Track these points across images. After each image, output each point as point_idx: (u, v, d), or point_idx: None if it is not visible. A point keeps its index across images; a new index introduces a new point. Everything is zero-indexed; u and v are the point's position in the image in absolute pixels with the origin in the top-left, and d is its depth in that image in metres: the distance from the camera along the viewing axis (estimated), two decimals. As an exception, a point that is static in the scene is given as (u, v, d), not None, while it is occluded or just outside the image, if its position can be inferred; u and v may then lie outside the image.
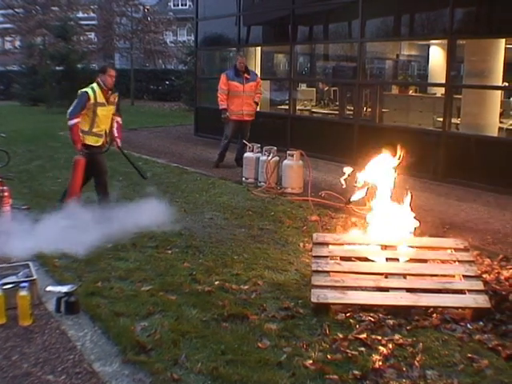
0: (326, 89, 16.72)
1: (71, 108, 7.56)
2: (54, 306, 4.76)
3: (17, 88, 30.81)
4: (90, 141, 7.79)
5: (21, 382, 3.70)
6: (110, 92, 7.72)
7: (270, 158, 9.61)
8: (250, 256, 6.17)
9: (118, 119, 8.12)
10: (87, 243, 6.28)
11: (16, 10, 39.40)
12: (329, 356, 3.97)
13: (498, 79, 10.79)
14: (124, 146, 14.63)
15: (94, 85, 7.64)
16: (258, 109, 12.14)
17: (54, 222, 6.78)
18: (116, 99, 7.92)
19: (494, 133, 10.99)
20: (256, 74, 12.00)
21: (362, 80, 12.61)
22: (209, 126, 17.07)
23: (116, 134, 8.08)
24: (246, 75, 11.43)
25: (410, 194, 6.02)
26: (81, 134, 7.68)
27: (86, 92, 7.53)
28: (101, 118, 7.72)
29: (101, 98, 7.62)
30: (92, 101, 7.53)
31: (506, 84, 11.68)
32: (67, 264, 5.86)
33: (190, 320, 4.55)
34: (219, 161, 11.88)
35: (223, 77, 11.52)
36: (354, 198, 7.57)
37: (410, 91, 15.77)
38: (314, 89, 17.09)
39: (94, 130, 7.78)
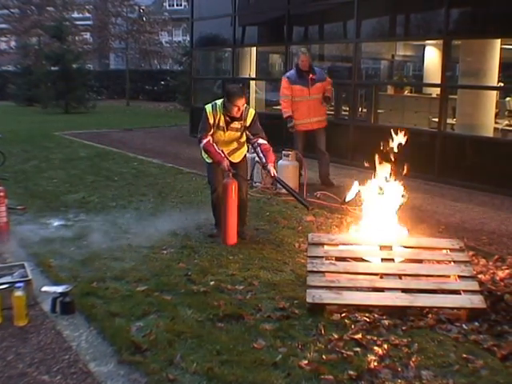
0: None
1: (199, 129, 6.63)
2: (50, 306, 4.75)
3: (12, 88, 30.88)
4: (205, 155, 6.85)
5: (16, 383, 3.69)
6: (231, 119, 6.52)
7: (265, 158, 9.59)
8: (246, 256, 6.17)
9: (260, 141, 6.60)
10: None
11: (11, 10, 39.41)
12: (324, 356, 3.97)
13: (494, 79, 10.81)
14: (119, 146, 14.78)
15: (219, 102, 6.54)
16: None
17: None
18: (245, 123, 6.59)
19: (490, 133, 11.01)
20: (323, 72, 10.18)
21: (357, 80, 12.61)
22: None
23: (264, 160, 6.55)
24: (311, 75, 9.69)
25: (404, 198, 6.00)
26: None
27: (205, 111, 6.52)
28: (218, 140, 6.66)
29: (221, 122, 6.52)
30: (211, 121, 6.49)
31: (502, 84, 11.72)
32: (62, 264, 5.85)
33: (185, 320, 4.55)
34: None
35: (284, 80, 9.90)
36: (348, 197, 7.58)
37: (406, 91, 15.80)
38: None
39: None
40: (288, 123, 9.96)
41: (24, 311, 4.53)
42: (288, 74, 10.04)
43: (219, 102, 6.56)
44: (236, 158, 6.88)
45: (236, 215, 6.64)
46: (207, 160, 6.84)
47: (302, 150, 10.01)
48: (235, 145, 6.82)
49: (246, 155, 7.07)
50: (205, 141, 6.52)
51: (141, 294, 5.08)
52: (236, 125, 6.59)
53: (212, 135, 6.58)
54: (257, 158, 6.98)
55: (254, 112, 6.63)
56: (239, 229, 6.81)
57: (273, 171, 6.53)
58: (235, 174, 6.65)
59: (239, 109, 6.39)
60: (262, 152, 6.58)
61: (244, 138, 6.84)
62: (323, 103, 9.91)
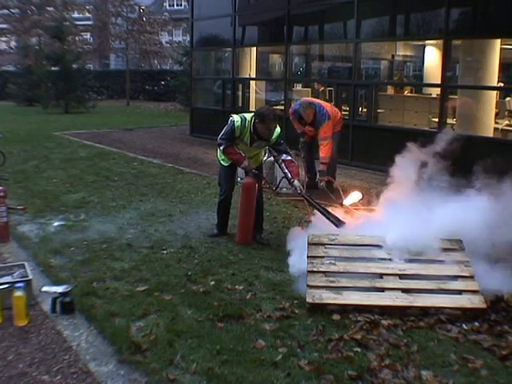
0: (321, 89, 16.74)
1: (221, 132, 6.57)
2: (50, 306, 4.75)
3: (12, 88, 30.83)
4: (224, 161, 6.88)
5: (16, 383, 3.69)
6: (258, 138, 6.51)
7: (265, 158, 9.59)
8: (246, 256, 6.17)
9: (284, 157, 6.60)
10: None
11: (11, 10, 39.41)
12: (324, 356, 3.97)
13: (494, 80, 10.81)
14: (119, 146, 14.77)
15: (248, 118, 6.49)
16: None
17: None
18: (270, 141, 6.56)
19: (490, 133, 11.01)
20: (323, 120, 9.45)
21: (357, 80, 12.63)
22: (204, 127, 17.10)
23: (289, 176, 6.53)
24: (308, 127, 9.68)
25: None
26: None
27: (233, 122, 6.45)
28: (240, 149, 6.66)
29: (246, 139, 6.54)
30: (237, 134, 6.48)
31: (502, 84, 11.71)
32: (62, 264, 5.86)
33: (185, 320, 4.55)
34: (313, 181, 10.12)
35: (291, 116, 9.96)
36: (347, 201, 7.60)
37: (406, 92, 15.79)
38: (310, 89, 17.11)
39: None
40: (301, 138, 10.04)
41: (24, 311, 4.53)
42: (294, 108, 9.86)
43: (248, 117, 6.52)
44: (253, 163, 6.85)
45: (253, 215, 6.65)
46: (223, 163, 6.86)
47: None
48: (253, 154, 6.82)
49: (262, 160, 7.11)
50: (223, 146, 6.58)
51: (141, 294, 5.08)
52: (260, 143, 6.63)
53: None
54: (282, 174, 6.94)
55: (279, 131, 6.58)
56: (258, 236, 6.80)
57: (299, 188, 6.48)
58: (257, 175, 6.69)
59: (270, 131, 6.39)
60: (286, 168, 6.56)
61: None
62: (321, 174, 9.64)
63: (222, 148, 6.60)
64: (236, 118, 6.50)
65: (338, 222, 6.25)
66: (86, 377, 3.75)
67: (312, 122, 9.54)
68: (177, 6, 54.52)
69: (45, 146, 14.68)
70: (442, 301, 4.72)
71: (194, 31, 17.79)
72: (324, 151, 9.40)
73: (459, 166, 6.50)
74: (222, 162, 6.88)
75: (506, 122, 12.14)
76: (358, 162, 12.16)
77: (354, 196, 8.12)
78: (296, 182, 6.47)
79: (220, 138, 6.57)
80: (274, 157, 6.76)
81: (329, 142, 9.46)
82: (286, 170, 6.56)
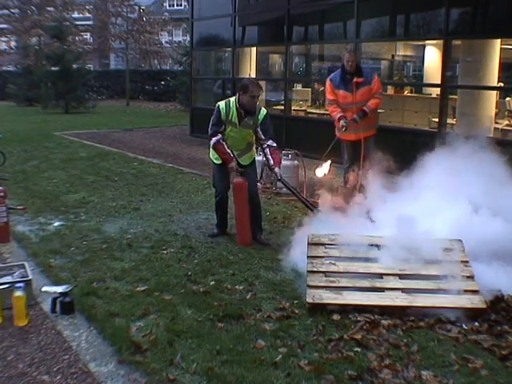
0: (321, 89, 16.74)
1: (209, 125, 6.66)
2: (50, 306, 4.75)
3: (12, 88, 30.81)
4: (213, 156, 6.90)
5: (16, 382, 3.69)
6: (245, 114, 6.54)
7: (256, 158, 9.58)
8: (246, 256, 6.17)
9: (269, 142, 6.62)
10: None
11: (11, 10, 39.40)
12: (324, 356, 3.97)
13: (494, 80, 10.81)
14: (119, 146, 14.77)
15: (232, 99, 6.59)
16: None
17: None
18: (257, 120, 6.56)
19: (490, 133, 11.01)
20: (371, 73, 8.72)
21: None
22: (204, 127, 17.00)
23: (271, 162, 6.59)
24: (355, 79, 8.36)
25: None
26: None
27: (218, 106, 6.57)
28: (228, 138, 6.66)
29: (234, 118, 6.54)
30: (223, 118, 6.52)
31: (502, 84, 11.71)
32: (62, 264, 5.86)
33: (185, 320, 4.55)
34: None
35: (328, 84, 8.68)
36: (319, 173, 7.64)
37: (406, 91, 15.80)
38: (310, 89, 17.13)
39: None
40: (342, 124, 8.43)
41: (24, 311, 4.53)
42: (332, 75, 8.77)
43: (232, 99, 6.63)
44: (246, 159, 6.88)
45: (248, 213, 6.66)
46: (215, 161, 6.87)
47: (350, 161, 8.86)
48: (244, 145, 6.82)
49: (255, 159, 7.10)
50: (215, 139, 6.59)
51: (141, 294, 5.08)
52: (249, 121, 6.59)
53: (223, 132, 6.62)
54: (264, 159, 7.02)
55: (266, 111, 6.65)
56: (258, 236, 6.79)
57: (279, 173, 6.58)
58: (244, 172, 6.71)
59: (254, 99, 6.43)
60: (270, 154, 6.63)
61: (253, 139, 6.88)
62: (355, 118, 8.39)
63: (212, 142, 6.63)
64: (220, 103, 6.64)
65: (312, 207, 6.60)
66: (86, 377, 3.75)
67: (357, 72, 8.42)
68: (177, 6, 54.55)
69: (45, 146, 14.69)
70: (442, 301, 4.72)
71: (194, 31, 17.78)
72: (374, 103, 8.51)
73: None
74: (214, 160, 6.90)
75: (506, 122, 12.14)
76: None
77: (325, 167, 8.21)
78: (277, 169, 6.57)
79: (210, 129, 6.65)
80: (261, 140, 6.73)
81: (381, 98, 8.82)
82: (269, 156, 6.63)
